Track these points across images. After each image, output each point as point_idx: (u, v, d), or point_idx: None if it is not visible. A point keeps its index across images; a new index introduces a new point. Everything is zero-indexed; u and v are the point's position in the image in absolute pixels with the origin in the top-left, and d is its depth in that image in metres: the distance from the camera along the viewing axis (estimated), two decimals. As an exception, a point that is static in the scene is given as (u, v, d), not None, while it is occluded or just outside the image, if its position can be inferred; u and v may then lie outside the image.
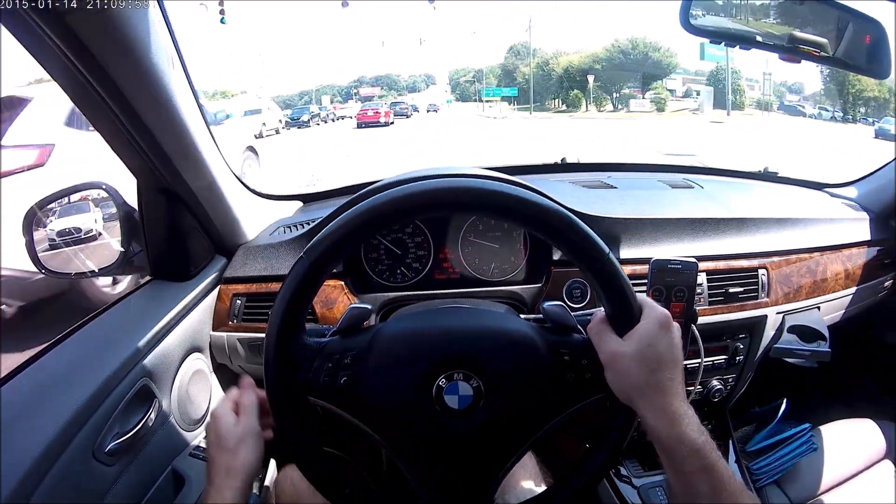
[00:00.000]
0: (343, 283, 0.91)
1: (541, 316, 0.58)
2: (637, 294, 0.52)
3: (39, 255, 0.91)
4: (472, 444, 0.52)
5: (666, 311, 0.52)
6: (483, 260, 0.97)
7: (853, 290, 1.05)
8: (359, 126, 18.30)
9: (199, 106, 0.79)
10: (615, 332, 0.51)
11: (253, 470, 0.59)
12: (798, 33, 0.94)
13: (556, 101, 29.53)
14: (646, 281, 0.77)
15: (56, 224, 0.93)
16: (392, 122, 19.12)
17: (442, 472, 0.53)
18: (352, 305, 0.56)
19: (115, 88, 0.65)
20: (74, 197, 0.95)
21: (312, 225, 0.94)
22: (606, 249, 0.50)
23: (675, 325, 0.52)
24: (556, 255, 0.92)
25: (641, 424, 0.51)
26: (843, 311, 1.06)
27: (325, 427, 0.57)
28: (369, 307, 0.57)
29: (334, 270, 0.84)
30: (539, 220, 0.50)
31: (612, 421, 0.54)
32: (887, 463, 0.98)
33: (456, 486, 0.52)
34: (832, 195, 1.20)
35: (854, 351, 1.13)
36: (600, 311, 0.54)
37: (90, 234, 0.94)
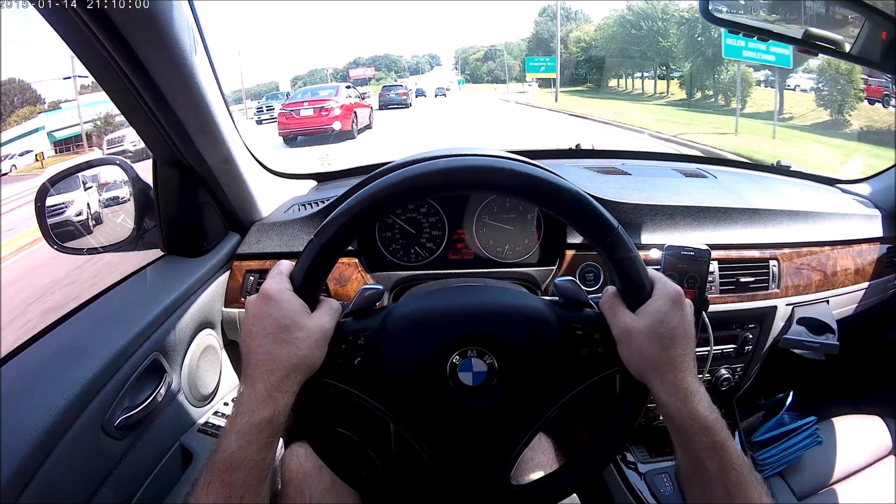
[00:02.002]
0: (357, 260, 0.92)
1: (554, 296, 0.58)
2: (649, 269, 0.52)
3: (52, 231, 0.92)
4: (486, 420, 0.52)
5: (678, 287, 0.52)
6: (497, 241, 0.97)
7: (863, 285, 1.05)
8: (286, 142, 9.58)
9: (218, 84, 0.80)
10: (627, 307, 0.51)
11: (313, 376, 0.50)
12: (813, 30, 0.94)
13: (622, 79, 19.98)
14: (658, 267, 0.77)
15: (66, 198, 0.93)
16: (367, 127, 10.67)
17: (457, 450, 0.53)
18: (364, 286, 0.56)
19: (139, 63, 0.65)
20: (88, 173, 0.96)
21: (326, 203, 0.94)
22: (616, 224, 0.50)
23: (688, 301, 0.52)
24: (570, 239, 0.93)
25: (653, 406, 0.51)
26: (852, 306, 1.06)
27: (337, 408, 0.57)
28: (381, 287, 0.57)
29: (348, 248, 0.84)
30: (550, 196, 0.50)
31: (624, 397, 0.54)
32: (892, 459, 0.98)
33: (471, 464, 0.53)
34: (844, 191, 1.20)
35: (861, 347, 1.13)
36: (612, 287, 0.54)
37: (82, 220, 0.94)
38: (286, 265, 0.53)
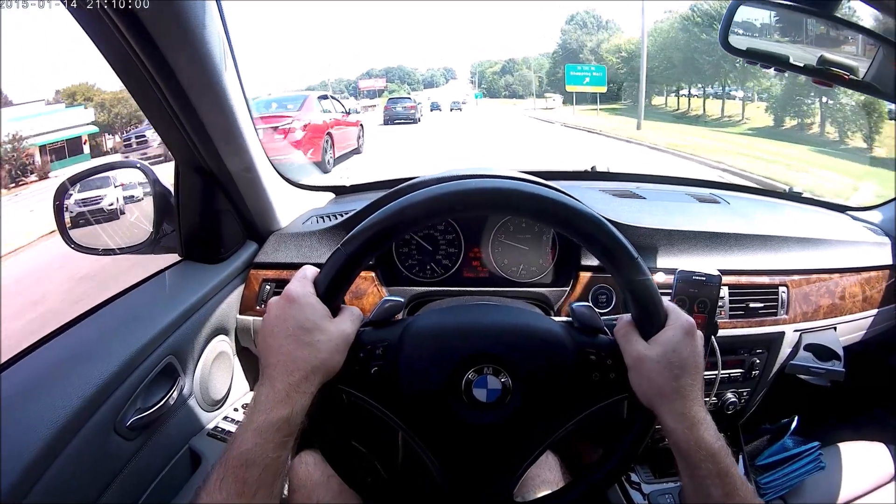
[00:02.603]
0: (374, 274, 0.93)
1: (568, 317, 0.59)
2: (664, 300, 0.53)
3: (69, 230, 0.93)
4: (497, 436, 0.53)
5: (691, 318, 0.53)
6: (512, 261, 0.98)
7: (871, 313, 1.05)
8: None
9: (244, 92, 0.81)
10: (641, 336, 0.52)
11: (331, 380, 0.50)
12: (829, 55, 0.95)
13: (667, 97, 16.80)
14: (670, 291, 0.78)
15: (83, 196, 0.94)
16: (354, 151, 8.28)
17: (465, 463, 0.54)
18: (385, 298, 0.57)
19: (168, 70, 0.67)
20: (107, 175, 0.97)
21: (345, 217, 0.95)
22: (636, 253, 0.51)
23: (699, 332, 0.53)
24: (584, 261, 0.94)
25: (659, 428, 0.52)
26: (860, 333, 1.06)
27: (349, 418, 0.58)
28: (402, 301, 0.58)
29: None
30: (571, 222, 0.51)
31: (632, 422, 0.55)
32: (893, 486, 0.99)
33: (477, 478, 0.53)
34: (854, 218, 1.20)
35: (867, 374, 1.14)
36: (627, 315, 0.55)
37: (112, 210, 0.95)
38: (311, 270, 0.53)
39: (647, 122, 13.34)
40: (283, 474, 0.48)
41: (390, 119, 15.39)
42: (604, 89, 16.57)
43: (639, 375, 0.52)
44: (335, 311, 0.52)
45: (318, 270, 0.53)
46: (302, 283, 0.51)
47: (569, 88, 17.88)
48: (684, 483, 0.51)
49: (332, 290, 0.52)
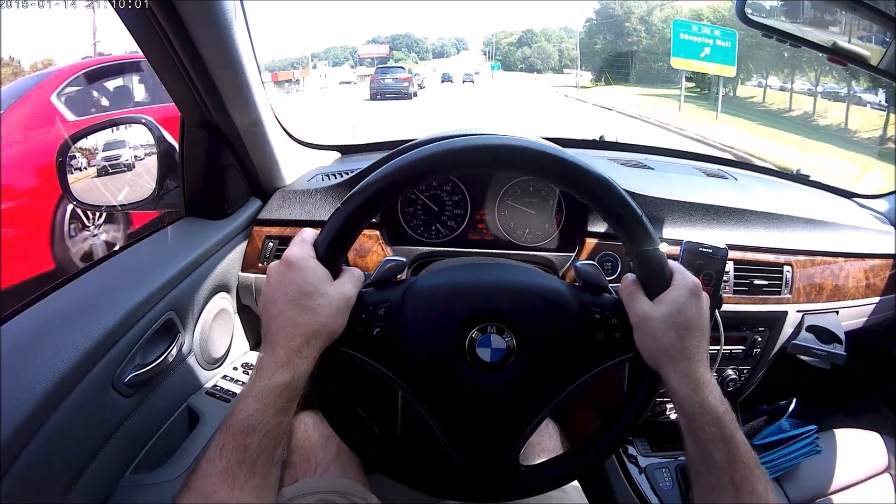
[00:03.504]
0: (378, 232, 0.92)
1: (573, 281, 0.58)
2: (669, 260, 0.53)
3: (70, 185, 0.93)
4: (501, 397, 0.52)
5: (696, 279, 0.52)
6: (518, 224, 0.98)
7: (873, 300, 1.05)
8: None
9: (253, 48, 0.80)
10: (646, 295, 0.52)
11: (333, 343, 0.50)
12: (841, 43, 0.94)
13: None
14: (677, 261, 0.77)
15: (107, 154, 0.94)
16: None
17: (470, 425, 0.53)
18: (387, 258, 0.56)
19: (179, 22, 0.66)
20: (112, 130, 0.96)
21: (350, 175, 0.95)
22: (640, 212, 0.50)
23: (705, 293, 0.52)
24: (591, 227, 0.93)
25: (659, 399, 0.51)
26: (861, 319, 1.06)
27: (350, 382, 0.57)
28: (404, 260, 0.57)
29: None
30: (575, 179, 0.50)
31: (637, 384, 0.54)
32: (887, 477, 0.99)
33: (482, 440, 0.53)
34: (860, 205, 1.20)
35: (867, 361, 1.14)
36: (631, 274, 0.54)
37: (125, 164, 0.95)
38: (310, 233, 0.53)
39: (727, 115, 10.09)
40: (283, 441, 0.48)
41: (378, 93, 12.96)
42: (732, 71, 10.65)
43: (643, 335, 0.51)
44: (336, 273, 0.51)
45: (318, 232, 0.52)
46: (301, 246, 0.51)
47: (676, 63, 10.76)
48: (688, 447, 0.51)
49: (332, 252, 0.51)
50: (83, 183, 0.94)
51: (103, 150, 0.93)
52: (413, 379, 0.53)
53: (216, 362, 0.91)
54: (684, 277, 0.52)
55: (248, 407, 0.45)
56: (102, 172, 0.92)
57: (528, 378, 0.52)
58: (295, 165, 1.02)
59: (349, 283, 0.51)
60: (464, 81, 21.92)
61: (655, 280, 0.52)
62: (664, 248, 0.88)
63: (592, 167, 0.50)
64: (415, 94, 12.51)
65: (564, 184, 0.51)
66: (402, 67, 15.15)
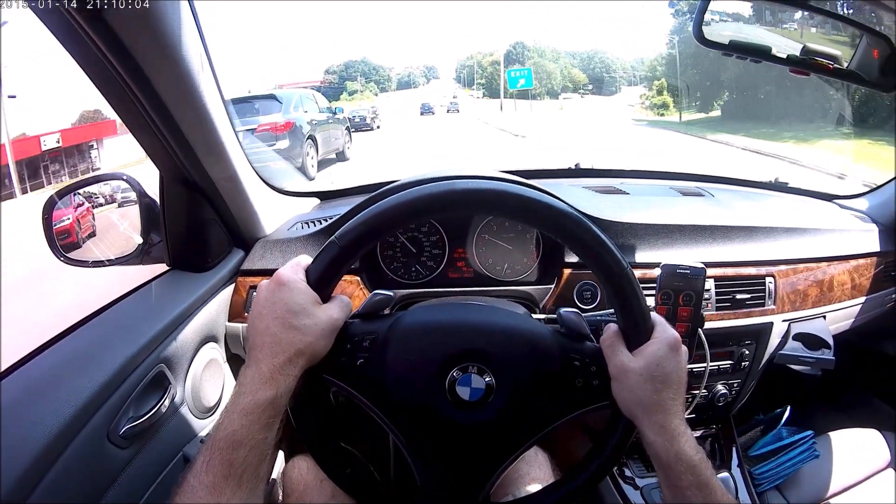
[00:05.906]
0: (359, 278, 0.93)
1: (553, 317, 0.59)
2: (651, 313, 0.54)
3: (58, 242, 0.94)
4: (477, 435, 0.53)
5: (676, 333, 0.54)
6: (496, 260, 0.99)
7: (859, 300, 1.06)
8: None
9: (224, 102, 0.81)
10: (626, 347, 0.53)
11: (316, 365, 0.51)
12: (813, 45, 0.95)
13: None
14: (655, 285, 0.78)
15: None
16: None
17: (444, 460, 0.54)
18: (375, 291, 0.58)
19: (147, 83, 0.67)
20: (94, 187, 0.98)
21: (329, 222, 0.96)
22: (626, 264, 0.52)
23: (684, 348, 0.54)
24: (568, 258, 0.94)
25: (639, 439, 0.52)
26: (849, 321, 1.06)
27: (337, 418, 0.58)
28: (391, 294, 0.59)
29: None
30: (562, 227, 0.51)
31: (613, 430, 0.55)
32: (890, 472, 0.99)
33: (455, 476, 0.54)
34: (841, 206, 1.20)
35: (858, 361, 1.14)
36: (613, 325, 0.55)
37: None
38: (305, 259, 0.54)
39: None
40: (269, 457, 0.49)
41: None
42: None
43: (621, 386, 0.53)
44: (325, 299, 0.53)
45: (311, 260, 0.54)
46: (294, 268, 0.52)
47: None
48: (665, 495, 0.52)
49: (322, 280, 0.52)
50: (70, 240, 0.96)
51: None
52: (392, 412, 0.54)
53: (209, 411, 0.92)
54: (665, 331, 0.54)
55: (234, 422, 0.46)
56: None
57: (505, 418, 0.53)
58: (274, 214, 1.03)
59: (337, 309, 0.52)
60: (448, 111, 18.74)
61: (637, 332, 0.53)
62: (643, 272, 0.90)
63: (584, 219, 0.51)
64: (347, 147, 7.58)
65: (559, 235, 0.53)
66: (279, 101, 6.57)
